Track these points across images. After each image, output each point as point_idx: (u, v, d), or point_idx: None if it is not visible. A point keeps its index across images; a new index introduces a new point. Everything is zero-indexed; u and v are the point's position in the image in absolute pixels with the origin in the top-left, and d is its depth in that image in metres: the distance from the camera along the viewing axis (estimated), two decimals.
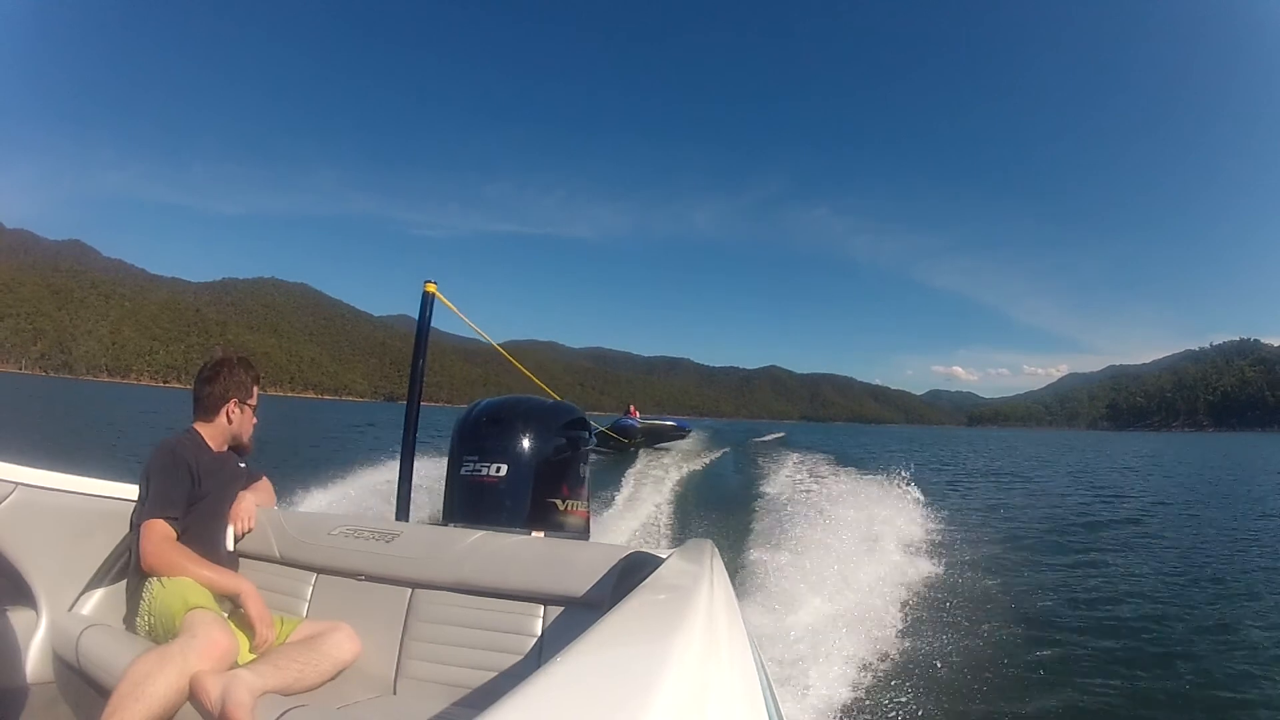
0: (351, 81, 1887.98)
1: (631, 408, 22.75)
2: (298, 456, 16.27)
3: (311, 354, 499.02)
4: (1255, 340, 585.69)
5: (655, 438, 21.13)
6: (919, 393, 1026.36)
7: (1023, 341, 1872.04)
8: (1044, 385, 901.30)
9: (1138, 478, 22.96)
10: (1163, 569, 8.31)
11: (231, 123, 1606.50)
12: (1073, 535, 10.50)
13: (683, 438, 22.77)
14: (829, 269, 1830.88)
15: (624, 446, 19.15)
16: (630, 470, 13.67)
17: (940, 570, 6.59)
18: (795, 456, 16.65)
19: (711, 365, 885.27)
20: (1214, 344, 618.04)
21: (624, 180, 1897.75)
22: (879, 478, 10.24)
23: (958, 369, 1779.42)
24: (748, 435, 24.75)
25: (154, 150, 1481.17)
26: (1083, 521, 11.82)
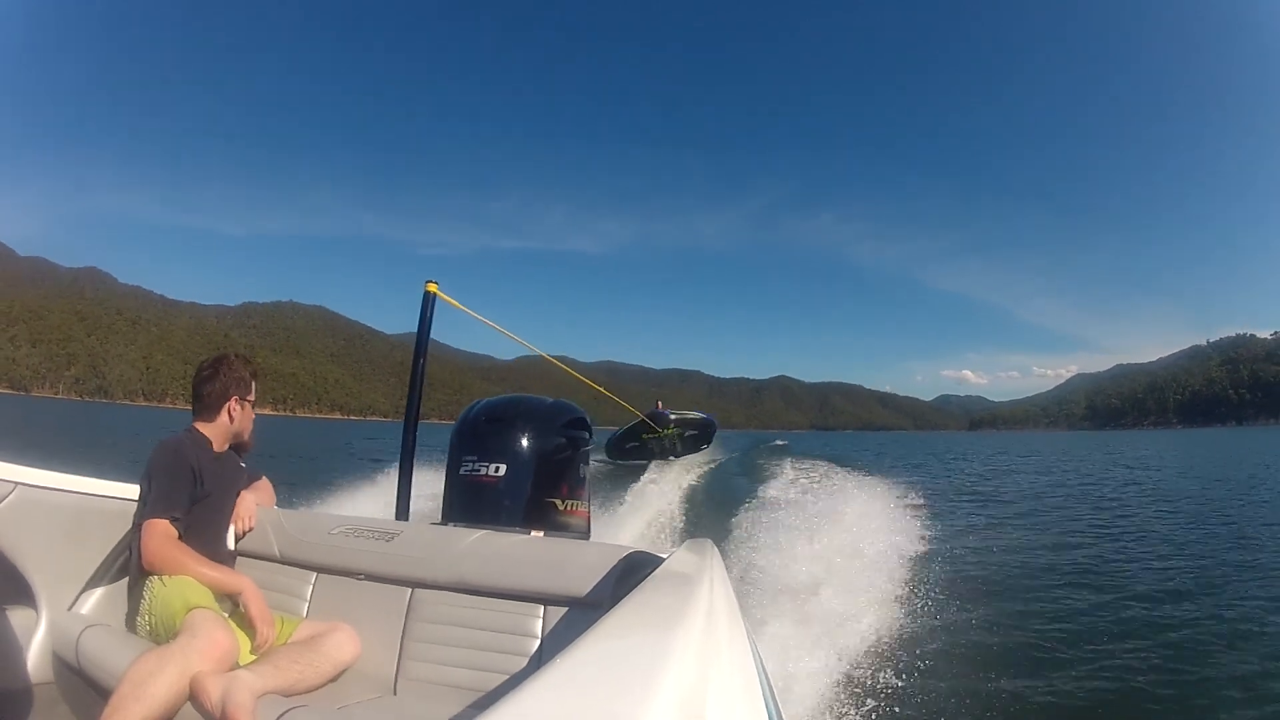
0: (352, 99, 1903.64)
1: (659, 403, 20.51)
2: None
3: (335, 375, 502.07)
4: (1251, 335, 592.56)
5: (685, 426, 19.62)
6: (929, 398, 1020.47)
7: (1032, 342, 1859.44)
8: (1053, 386, 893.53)
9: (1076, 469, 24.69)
10: (1107, 552, 8.82)
11: (234, 144, 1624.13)
12: (1019, 522, 11.25)
13: (709, 437, 20.82)
14: (835, 276, 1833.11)
15: (659, 444, 18.36)
16: (636, 475, 13.94)
17: (915, 572, 6.56)
18: (794, 463, 16.97)
19: (722, 377, 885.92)
20: (1210, 341, 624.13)
21: (628, 192, 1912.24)
22: (866, 481, 10.73)
23: (967, 373, 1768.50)
24: (753, 443, 25.03)
25: (160, 174, 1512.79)
26: (1028, 511, 12.88)
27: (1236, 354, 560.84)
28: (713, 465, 16.96)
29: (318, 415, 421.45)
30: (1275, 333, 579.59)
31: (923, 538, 7.80)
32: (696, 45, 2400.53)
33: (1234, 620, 5.93)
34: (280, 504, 2.93)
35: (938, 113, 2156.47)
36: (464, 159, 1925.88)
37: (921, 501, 9.69)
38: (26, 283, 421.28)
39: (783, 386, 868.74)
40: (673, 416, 19.26)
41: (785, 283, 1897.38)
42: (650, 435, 18.65)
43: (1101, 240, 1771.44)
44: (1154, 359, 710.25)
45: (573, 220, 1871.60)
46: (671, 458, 19.38)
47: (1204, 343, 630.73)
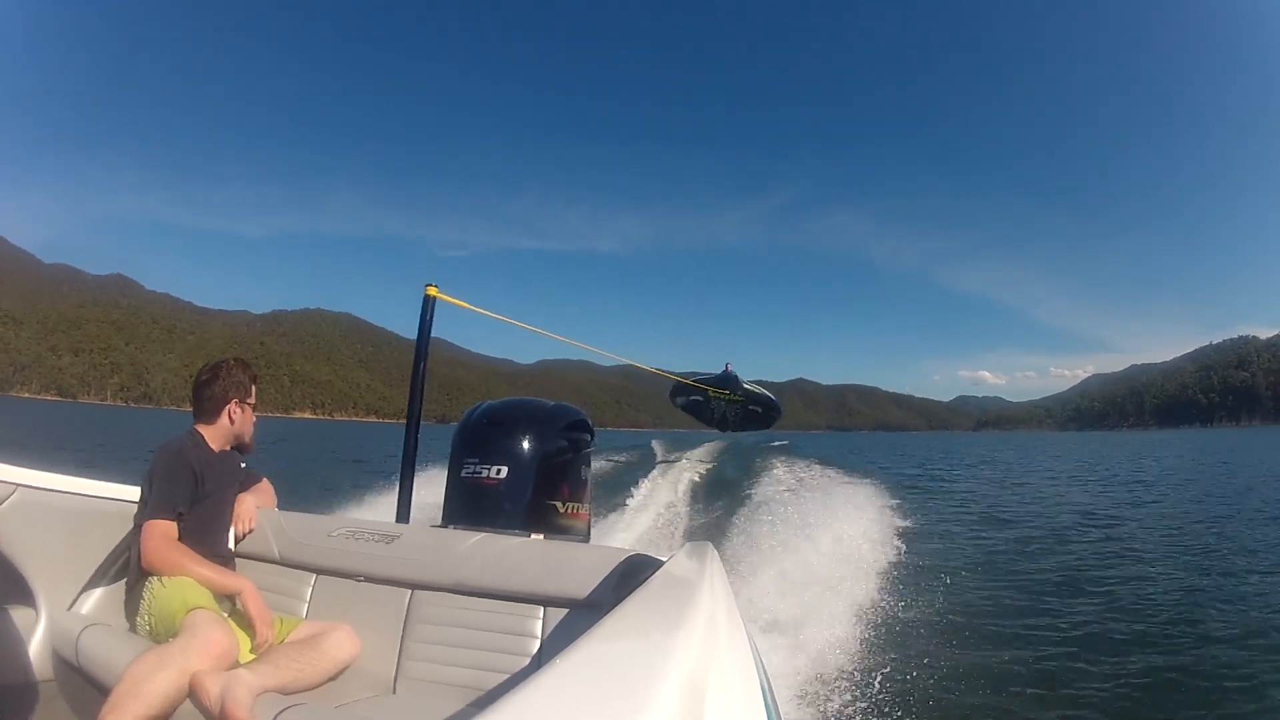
0: (369, 102, 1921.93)
1: (728, 365, 19.99)
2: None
3: (366, 381, 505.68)
4: (1253, 337, 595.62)
5: (751, 400, 19.16)
6: (946, 399, 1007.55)
7: (1049, 343, 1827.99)
8: (1069, 386, 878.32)
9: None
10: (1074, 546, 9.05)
11: (251, 148, 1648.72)
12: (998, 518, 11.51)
13: (770, 420, 20.13)
14: (853, 275, 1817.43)
15: (720, 407, 18.17)
16: (640, 475, 13.97)
17: (903, 574, 6.65)
18: (791, 464, 17.14)
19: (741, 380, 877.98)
20: (1213, 343, 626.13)
21: (645, 191, 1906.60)
22: (857, 482, 10.95)
23: (985, 373, 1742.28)
24: (757, 443, 25.26)
25: (179, 180, 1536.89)
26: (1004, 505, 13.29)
27: (1209, 361, 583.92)
28: (712, 465, 17.11)
29: (354, 418, 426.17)
30: (1246, 337, 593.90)
31: (889, 539, 7.98)
32: (714, 44, 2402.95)
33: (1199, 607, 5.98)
34: (282, 506, 2.91)
35: (954, 112, 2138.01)
36: (482, 160, 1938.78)
37: (890, 500, 9.84)
38: (54, 291, 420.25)
39: (800, 388, 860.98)
40: (745, 385, 19.27)
41: (803, 283, 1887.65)
42: (716, 394, 18.71)
43: (1119, 241, 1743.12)
44: (1169, 359, 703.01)
45: (590, 220, 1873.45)
46: (728, 430, 19.28)
47: (1209, 344, 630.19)
